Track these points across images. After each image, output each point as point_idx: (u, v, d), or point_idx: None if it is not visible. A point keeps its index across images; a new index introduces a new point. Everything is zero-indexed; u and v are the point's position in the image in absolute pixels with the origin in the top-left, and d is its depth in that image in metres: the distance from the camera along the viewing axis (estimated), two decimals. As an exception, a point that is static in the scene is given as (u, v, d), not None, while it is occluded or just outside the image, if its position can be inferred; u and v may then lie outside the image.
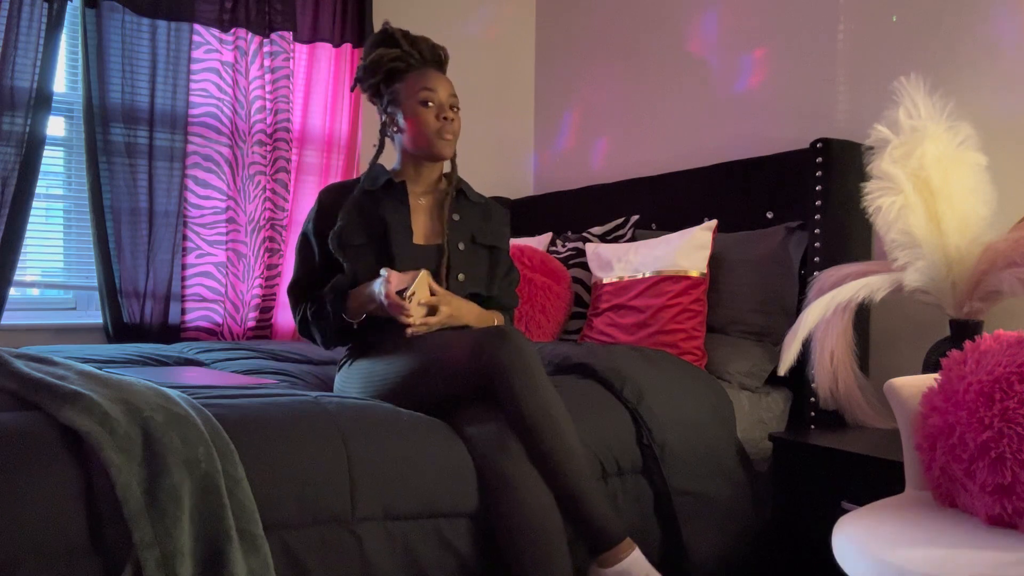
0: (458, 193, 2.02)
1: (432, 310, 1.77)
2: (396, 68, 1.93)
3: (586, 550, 1.54)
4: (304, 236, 1.98)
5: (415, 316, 1.71)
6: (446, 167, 2.05)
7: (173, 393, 1.38)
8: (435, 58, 1.97)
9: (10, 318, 2.68)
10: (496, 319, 1.93)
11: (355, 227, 1.90)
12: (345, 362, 1.93)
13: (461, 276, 1.92)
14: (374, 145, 2.03)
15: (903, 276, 1.81)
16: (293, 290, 1.99)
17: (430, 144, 1.92)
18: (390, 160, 2.03)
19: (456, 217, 1.97)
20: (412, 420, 1.59)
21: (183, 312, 2.90)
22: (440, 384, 1.67)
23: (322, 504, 1.39)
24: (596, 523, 1.50)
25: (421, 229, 1.95)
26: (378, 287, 1.75)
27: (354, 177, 2.48)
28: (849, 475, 1.83)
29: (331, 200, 1.96)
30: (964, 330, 1.82)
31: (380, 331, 1.89)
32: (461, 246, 1.95)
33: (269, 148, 3.05)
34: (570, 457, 1.52)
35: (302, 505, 1.37)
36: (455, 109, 1.95)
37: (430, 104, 1.90)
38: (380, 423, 1.54)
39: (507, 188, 3.69)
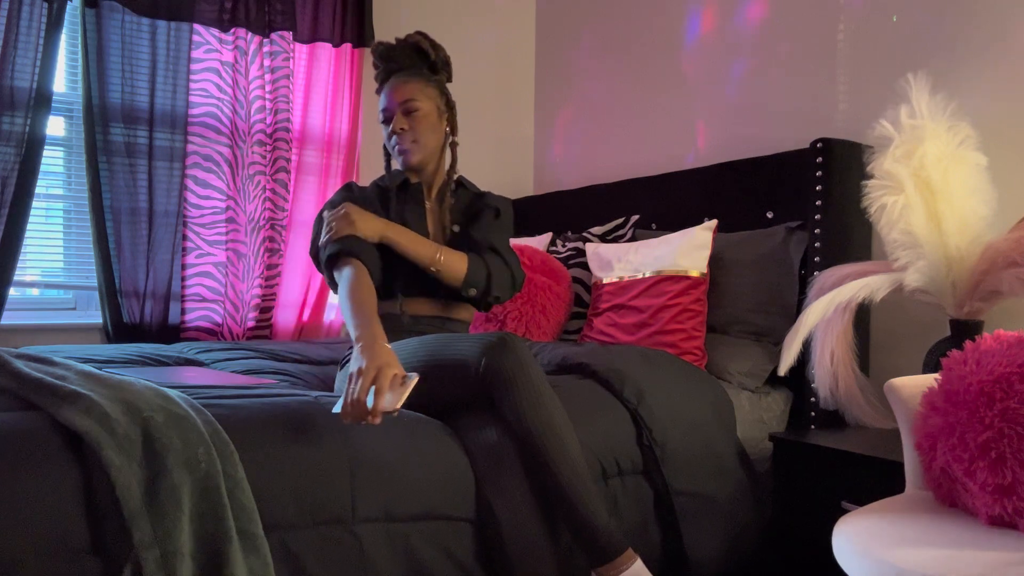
0: (458, 186, 2.04)
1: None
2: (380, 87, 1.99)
3: (586, 561, 1.53)
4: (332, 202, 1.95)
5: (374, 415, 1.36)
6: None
7: (173, 393, 1.37)
8: (398, 63, 1.95)
9: (10, 318, 2.68)
10: (441, 254, 1.82)
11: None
12: (346, 362, 1.92)
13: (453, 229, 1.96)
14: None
15: (903, 276, 1.81)
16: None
17: (395, 158, 1.96)
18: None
19: (452, 200, 2.00)
20: (413, 421, 1.59)
21: (183, 312, 2.90)
22: (440, 389, 1.66)
23: (322, 505, 1.38)
24: (597, 535, 1.49)
25: (431, 232, 1.98)
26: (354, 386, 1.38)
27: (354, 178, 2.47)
28: (849, 475, 1.83)
29: (360, 189, 1.98)
30: (964, 330, 1.82)
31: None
32: (456, 228, 1.97)
33: (269, 148, 3.05)
34: (572, 469, 1.52)
35: (302, 506, 1.37)
36: (411, 114, 1.90)
37: (384, 120, 1.95)
38: (381, 424, 1.53)
39: (507, 188, 3.69)
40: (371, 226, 1.81)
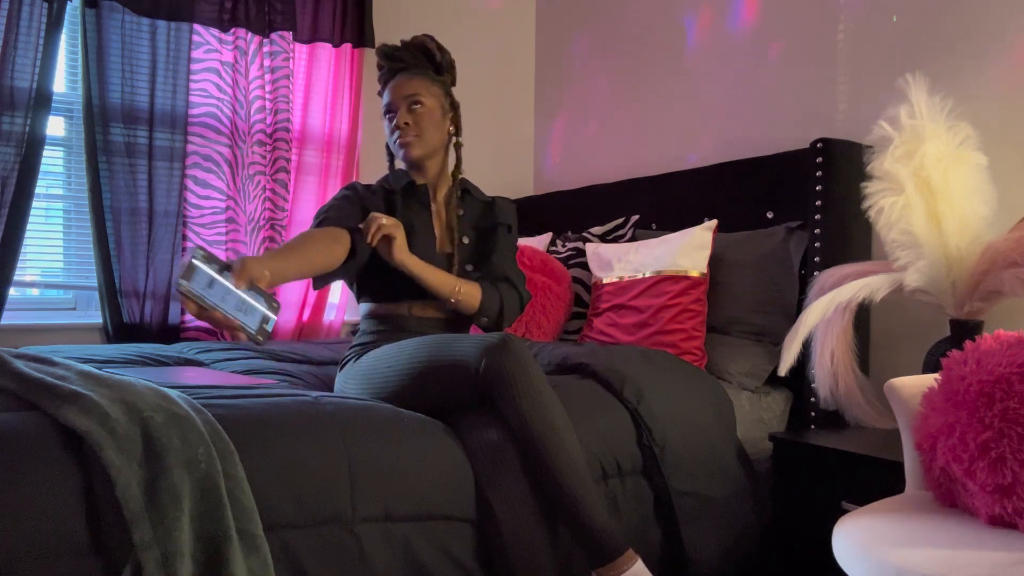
0: (464, 193, 2.03)
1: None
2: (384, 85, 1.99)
3: (586, 561, 1.53)
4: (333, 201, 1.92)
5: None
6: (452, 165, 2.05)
7: (173, 393, 1.37)
8: (404, 62, 1.96)
9: (10, 318, 2.68)
10: (460, 286, 1.85)
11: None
12: (346, 362, 1.93)
13: (469, 267, 1.96)
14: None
15: (903, 276, 1.81)
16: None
17: (396, 152, 1.96)
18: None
19: (460, 212, 2.00)
20: (413, 421, 1.59)
21: (183, 312, 2.90)
22: (440, 389, 1.67)
23: (322, 504, 1.39)
24: (598, 536, 1.49)
25: (437, 235, 1.98)
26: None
27: (354, 178, 2.44)
28: (849, 475, 1.83)
29: (364, 189, 1.96)
30: (964, 330, 1.82)
31: (382, 328, 1.90)
32: (466, 240, 1.97)
33: (269, 148, 3.05)
34: (573, 469, 1.52)
35: (302, 505, 1.37)
36: (414, 107, 1.91)
37: (388, 113, 1.95)
38: (380, 424, 1.54)
39: (507, 188, 3.69)
40: (406, 250, 1.80)
